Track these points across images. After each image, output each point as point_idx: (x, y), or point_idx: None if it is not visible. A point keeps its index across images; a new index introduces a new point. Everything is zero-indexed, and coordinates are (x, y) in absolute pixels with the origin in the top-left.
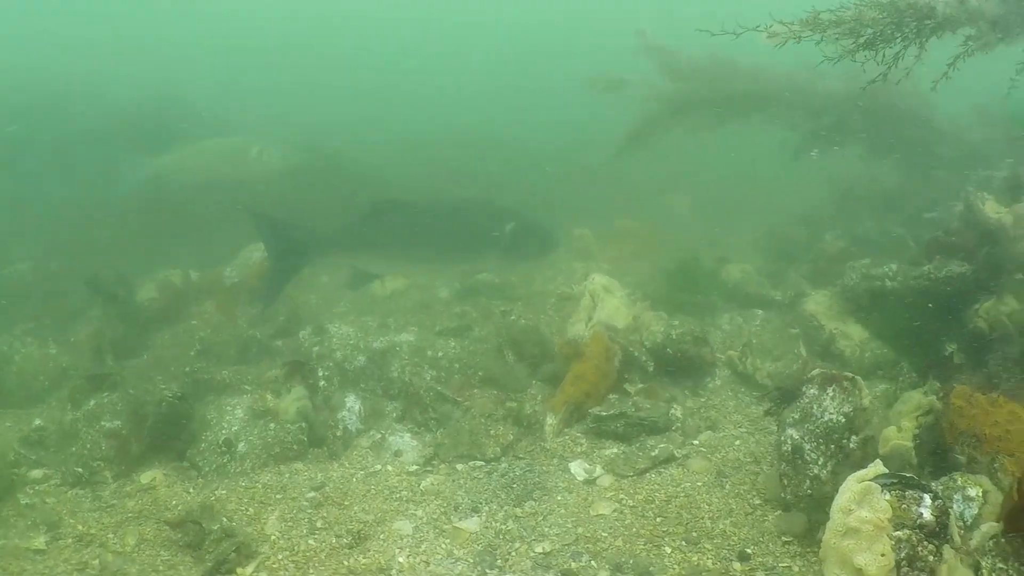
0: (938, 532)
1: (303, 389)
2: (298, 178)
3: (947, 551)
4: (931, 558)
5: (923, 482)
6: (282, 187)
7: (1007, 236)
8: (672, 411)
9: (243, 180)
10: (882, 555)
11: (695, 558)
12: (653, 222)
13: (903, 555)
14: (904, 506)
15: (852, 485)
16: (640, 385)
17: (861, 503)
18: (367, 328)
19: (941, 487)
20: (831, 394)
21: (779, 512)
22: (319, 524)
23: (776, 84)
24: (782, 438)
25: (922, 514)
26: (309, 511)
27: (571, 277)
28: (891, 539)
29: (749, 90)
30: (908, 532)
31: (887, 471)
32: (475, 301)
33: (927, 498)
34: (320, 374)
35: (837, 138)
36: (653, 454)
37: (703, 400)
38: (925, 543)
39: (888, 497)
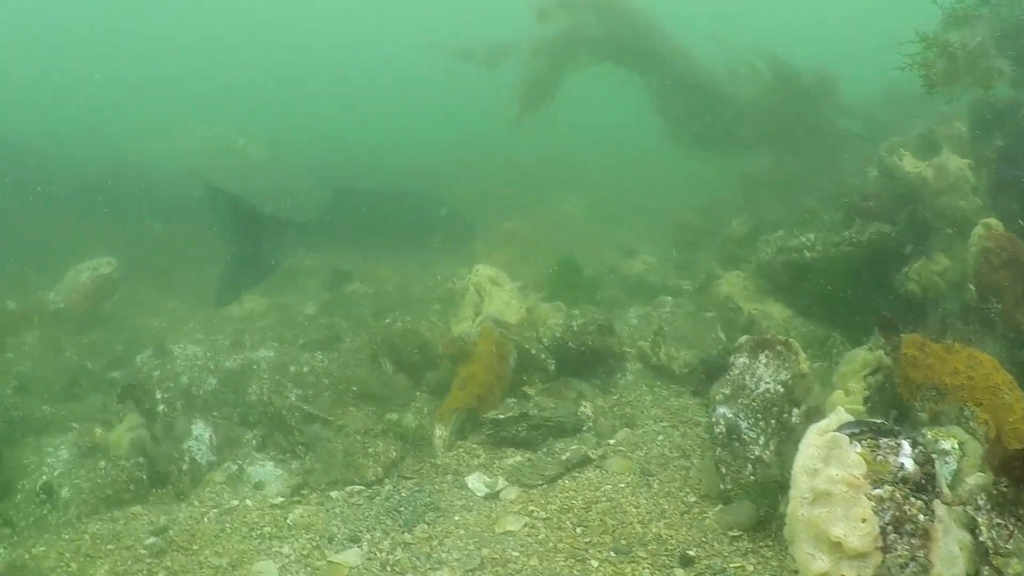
0: (924, 485)
1: (138, 417)
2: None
3: (939, 507)
4: (922, 517)
5: (896, 428)
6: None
7: (930, 191)
8: (581, 409)
9: (226, 172)
10: (863, 521)
11: (629, 569)
12: (543, 223)
13: (888, 518)
14: (880, 457)
15: (814, 439)
16: (541, 386)
17: (828, 459)
18: (218, 347)
19: None
20: (764, 361)
21: (720, 506)
22: (161, 575)
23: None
24: (713, 419)
25: (903, 464)
26: (148, 560)
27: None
28: (871, 499)
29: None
30: (890, 489)
31: (852, 418)
32: (345, 312)
33: (906, 445)
34: (158, 396)
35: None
36: (564, 457)
37: (616, 398)
38: (912, 500)
39: (859, 449)
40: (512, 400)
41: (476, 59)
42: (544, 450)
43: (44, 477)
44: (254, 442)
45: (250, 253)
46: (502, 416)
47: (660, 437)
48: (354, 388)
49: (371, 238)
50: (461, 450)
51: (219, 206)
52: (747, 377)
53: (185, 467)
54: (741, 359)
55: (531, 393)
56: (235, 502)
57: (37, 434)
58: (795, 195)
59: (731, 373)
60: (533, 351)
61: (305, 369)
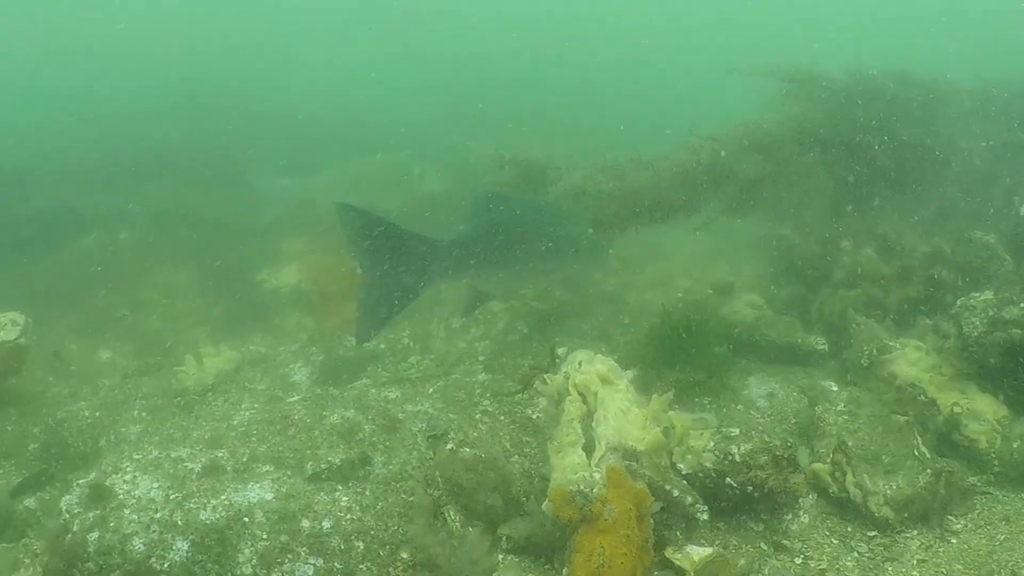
0: None
1: None
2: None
3: None
4: None
5: None
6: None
7: None
8: None
9: (402, 203)
10: None
11: None
12: None
13: None
14: None
15: None
16: (695, 551)
17: None
18: (184, 476)
19: None
20: None
21: None
22: None
23: None
24: None
25: None
26: None
27: (491, 327)
28: None
29: None
30: None
31: None
32: (362, 395)
33: None
34: None
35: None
36: None
37: (800, 562)
38: None
39: None
40: None
41: None
42: None
43: None
44: None
45: (389, 279)
46: None
47: None
48: (404, 555)
49: (517, 258)
50: None
51: (352, 224)
52: None
53: None
54: None
55: (684, 565)
56: None
57: None
58: (915, 207)
59: None
60: (675, 492)
61: (326, 525)
